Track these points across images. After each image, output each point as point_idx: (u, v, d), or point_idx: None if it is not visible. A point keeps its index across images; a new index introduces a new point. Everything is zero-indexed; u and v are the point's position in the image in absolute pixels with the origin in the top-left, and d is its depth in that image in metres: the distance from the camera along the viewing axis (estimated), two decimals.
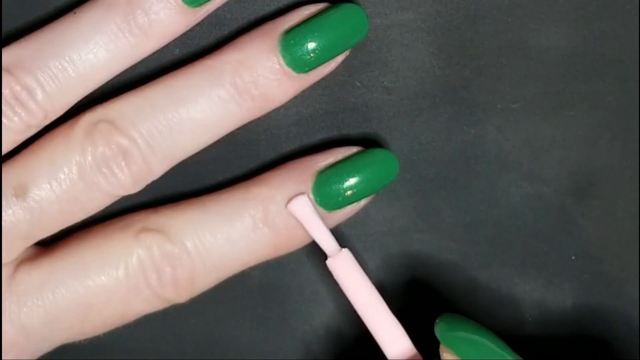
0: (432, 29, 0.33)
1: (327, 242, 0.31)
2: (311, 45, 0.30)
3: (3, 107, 0.29)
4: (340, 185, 0.31)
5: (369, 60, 0.33)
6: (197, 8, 0.30)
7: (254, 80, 0.30)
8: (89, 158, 0.30)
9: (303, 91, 0.32)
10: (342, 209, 0.32)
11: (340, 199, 0.31)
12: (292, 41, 0.30)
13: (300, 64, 0.30)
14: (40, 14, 0.31)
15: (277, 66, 0.30)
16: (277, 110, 0.32)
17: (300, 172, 0.32)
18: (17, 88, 0.29)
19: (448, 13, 0.33)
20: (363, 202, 0.32)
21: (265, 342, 0.35)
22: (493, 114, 0.33)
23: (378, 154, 0.32)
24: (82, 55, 0.30)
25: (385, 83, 0.33)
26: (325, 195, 0.31)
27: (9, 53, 0.30)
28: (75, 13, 0.30)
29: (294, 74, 0.30)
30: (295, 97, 0.32)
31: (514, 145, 0.34)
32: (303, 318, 0.35)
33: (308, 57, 0.30)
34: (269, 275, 0.34)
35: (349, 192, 0.31)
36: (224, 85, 0.30)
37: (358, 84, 0.33)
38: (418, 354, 0.31)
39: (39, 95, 0.29)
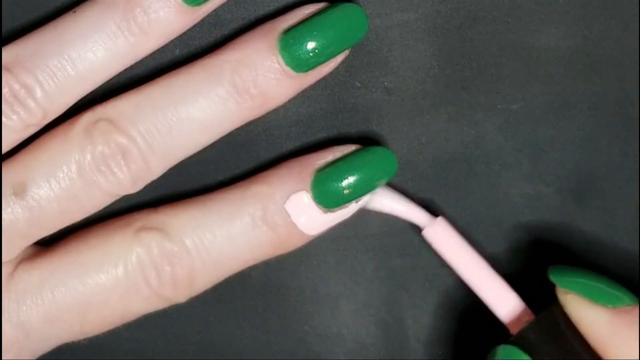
0: (432, 29, 0.33)
1: (418, 214, 0.33)
2: (310, 45, 0.30)
3: (2, 106, 0.29)
4: (339, 183, 0.31)
5: (369, 60, 0.33)
6: (197, 7, 0.30)
7: (253, 80, 0.30)
8: (88, 157, 0.30)
9: (303, 91, 0.32)
10: (341, 208, 0.32)
11: (339, 196, 0.31)
12: (292, 40, 0.30)
13: (299, 64, 0.30)
14: (40, 14, 0.31)
15: (277, 65, 0.30)
16: (277, 110, 0.32)
17: (299, 170, 0.32)
18: (16, 87, 0.29)
19: (448, 13, 0.33)
20: (362, 200, 0.32)
21: (265, 342, 0.35)
22: (493, 114, 0.33)
23: (376, 151, 0.32)
24: (82, 54, 0.30)
25: (385, 83, 0.33)
26: (324, 193, 0.31)
27: (9, 52, 0.30)
28: (74, 12, 0.30)
29: (293, 73, 0.30)
30: (295, 97, 0.32)
31: (514, 145, 0.34)
32: (303, 318, 0.35)
33: (307, 56, 0.30)
34: (269, 276, 0.34)
35: (347, 190, 0.31)
36: (223, 84, 0.30)
37: (358, 84, 0.33)
38: (528, 310, 0.32)
39: (38, 94, 0.29)
